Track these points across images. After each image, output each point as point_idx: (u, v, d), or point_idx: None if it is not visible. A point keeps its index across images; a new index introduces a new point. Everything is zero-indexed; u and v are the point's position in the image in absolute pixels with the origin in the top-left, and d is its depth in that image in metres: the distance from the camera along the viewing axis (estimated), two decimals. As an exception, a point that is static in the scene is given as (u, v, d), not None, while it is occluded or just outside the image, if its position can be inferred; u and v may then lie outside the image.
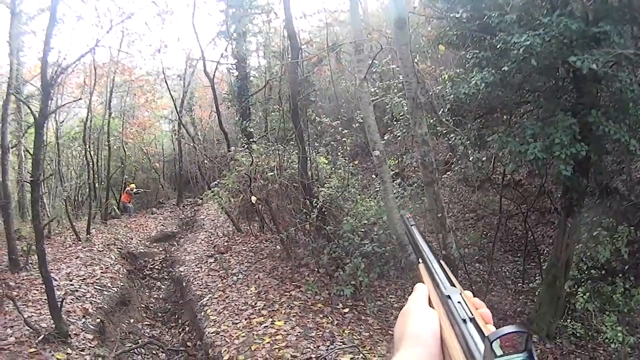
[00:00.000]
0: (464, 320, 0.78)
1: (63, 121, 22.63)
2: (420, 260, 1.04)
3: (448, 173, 11.14)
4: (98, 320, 8.75)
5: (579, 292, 8.23)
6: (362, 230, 9.05)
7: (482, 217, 12.55)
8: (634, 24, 7.12)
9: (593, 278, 8.79)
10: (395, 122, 10.62)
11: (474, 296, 0.88)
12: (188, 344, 9.06)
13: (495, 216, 11.00)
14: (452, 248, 6.02)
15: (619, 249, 8.74)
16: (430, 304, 0.91)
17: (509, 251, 11.64)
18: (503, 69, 7.13)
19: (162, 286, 13.27)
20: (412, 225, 1.16)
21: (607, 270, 9.14)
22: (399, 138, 10.81)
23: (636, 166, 11.72)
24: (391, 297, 9.53)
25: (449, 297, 0.85)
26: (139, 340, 9.12)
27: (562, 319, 8.54)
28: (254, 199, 10.25)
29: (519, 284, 10.31)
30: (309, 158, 10.01)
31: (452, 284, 0.89)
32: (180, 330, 9.96)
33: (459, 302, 0.82)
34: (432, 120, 8.81)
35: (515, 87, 7.78)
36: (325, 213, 9.52)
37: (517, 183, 12.27)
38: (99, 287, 10.36)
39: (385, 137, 10.84)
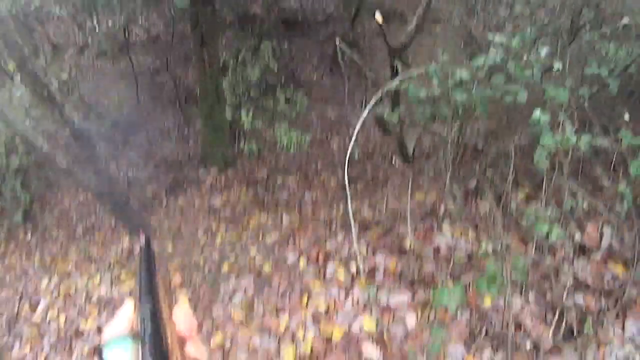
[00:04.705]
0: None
1: None
2: None
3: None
4: None
5: (242, 115, 8.22)
6: (3, 148, 7.87)
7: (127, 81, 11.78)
8: None
9: (253, 98, 8.84)
10: None
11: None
12: None
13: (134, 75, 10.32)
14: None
15: (268, 64, 8.88)
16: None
17: (168, 104, 11.24)
18: None
19: None
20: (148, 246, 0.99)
21: (265, 87, 9.29)
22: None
23: (270, -9, 11.94)
24: (66, 200, 8.72)
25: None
26: None
27: (236, 145, 8.52)
28: None
29: (184, 131, 10.09)
30: None
31: (150, 299, 0.76)
32: None
33: (144, 319, 0.70)
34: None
35: None
36: None
37: (156, 38, 11.69)
38: None
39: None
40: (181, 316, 0.77)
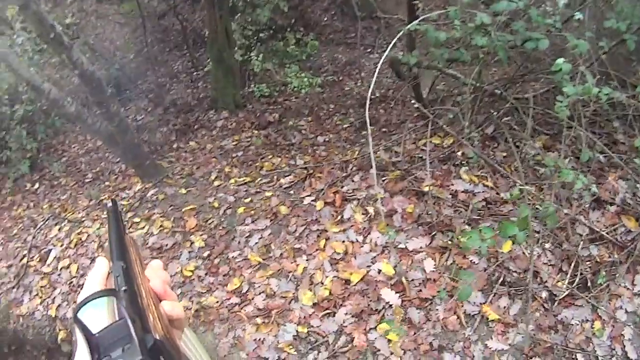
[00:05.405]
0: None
1: None
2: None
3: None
4: None
5: (252, 57, 8.13)
6: (7, 97, 7.82)
7: (133, 25, 11.47)
8: None
9: (263, 40, 8.71)
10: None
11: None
12: None
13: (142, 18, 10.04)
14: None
15: (278, 5, 8.68)
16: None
17: (175, 48, 11.04)
18: None
19: None
20: (115, 209, 1.00)
21: (275, 29, 9.12)
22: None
23: None
24: (74, 147, 8.82)
25: (110, 272, 0.77)
26: None
27: (246, 87, 8.50)
28: None
29: (194, 73, 9.96)
30: None
31: (122, 257, 0.78)
32: None
33: (117, 276, 0.72)
34: None
35: None
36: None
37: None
38: None
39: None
40: (154, 273, 0.79)
